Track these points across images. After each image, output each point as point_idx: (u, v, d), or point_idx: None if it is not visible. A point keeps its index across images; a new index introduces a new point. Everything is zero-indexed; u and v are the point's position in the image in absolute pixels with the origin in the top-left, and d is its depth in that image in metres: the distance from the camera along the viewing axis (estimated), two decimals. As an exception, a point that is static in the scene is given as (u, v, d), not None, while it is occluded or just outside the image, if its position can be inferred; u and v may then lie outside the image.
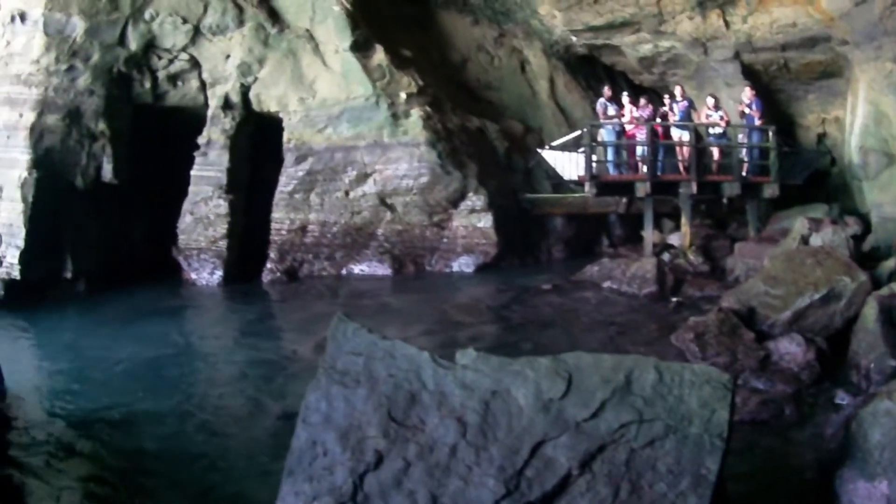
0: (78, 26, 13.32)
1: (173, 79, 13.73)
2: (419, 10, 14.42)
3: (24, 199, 12.83)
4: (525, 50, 14.57)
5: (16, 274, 12.72)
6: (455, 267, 13.24)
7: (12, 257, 12.81)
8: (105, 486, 5.78)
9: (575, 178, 13.11)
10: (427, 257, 13.14)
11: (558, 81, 14.52)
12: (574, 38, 14.40)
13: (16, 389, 7.70)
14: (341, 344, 3.74)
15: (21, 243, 12.74)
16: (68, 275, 13.13)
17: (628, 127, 12.64)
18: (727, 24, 12.70)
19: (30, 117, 13.12)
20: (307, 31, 13.26)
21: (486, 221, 13.20)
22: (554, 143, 13.62)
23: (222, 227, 13.20)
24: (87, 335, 10.33)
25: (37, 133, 13.06)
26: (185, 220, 13.46)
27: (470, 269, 13.17)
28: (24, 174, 12.94)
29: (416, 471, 3.29)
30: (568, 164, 13.43)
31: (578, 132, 13.20)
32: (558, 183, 13.71)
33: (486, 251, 13.23)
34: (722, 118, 12.26)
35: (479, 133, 13.42)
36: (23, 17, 13.58)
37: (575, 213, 14.01)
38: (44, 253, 12.85)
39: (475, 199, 13.12)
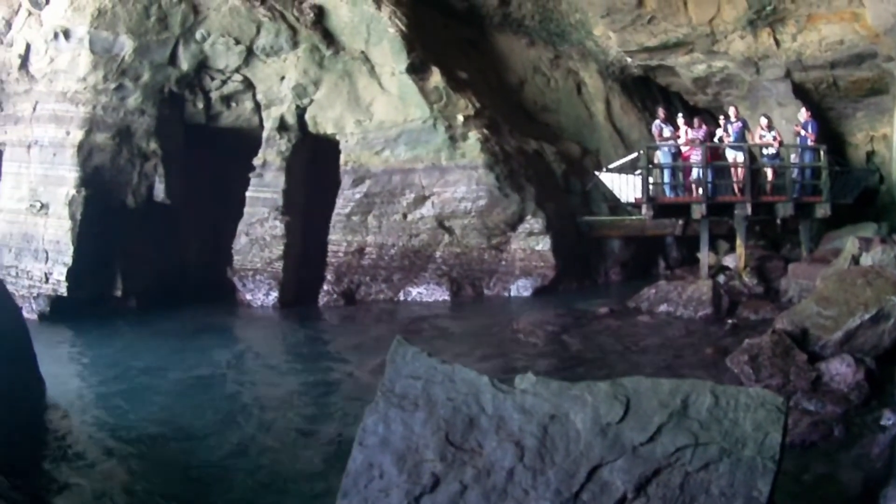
0: (126, 45, 15.82)
1: (227, 100, 16.26)
2: (474, 31, 17.07)
3: (72, 217, 15.48)
4: (581, 71, 17.29)
5: (62, 291, 15.34)
6: (513, 290, 15.62)
7: (59, 274, 15.41)
8: (149, 498, 6.66)
9: (632, 200, 15.35)
10: (485, 280, 15.73)
11: (614, 103, 17.23)
12: (629, 59, 17.20)
13: (60, 402, 9.06)
14: (400, 367, 4.34)
15: (68, 260, 15.35)
16: (118, 292, 15.71)
17: (684, 149, 14.89)
18: (777, 42, 15.40)
19: (77, 135, 15.71)
20: (362, 52, 15.82)
21: (544, 244, 15.77)
22: (611, 166, 16.25)
23: (278, 249, 15.71)
24: (135, 352, 12.15)
25: (85, 151, 15.67)
26: (241, 242, 15.99)
27: (528, 292, 15.58)
28: (72, 192, 15.56)
29: (473, 494, 3.81)
30: (625, 187, 15.96)
31: (635, 154, 15.67)
32: (615, 205, 16.31)
33: (544, 274, 15.81)
34: (775, 138, 14.43)
35: (537, 155, 16.07)
36: (66, 34, 16.02)
37: (632, 236, 16.63)
38: (92, 270, 15.39)
39: (533, 222, 15.72)
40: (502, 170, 15.40)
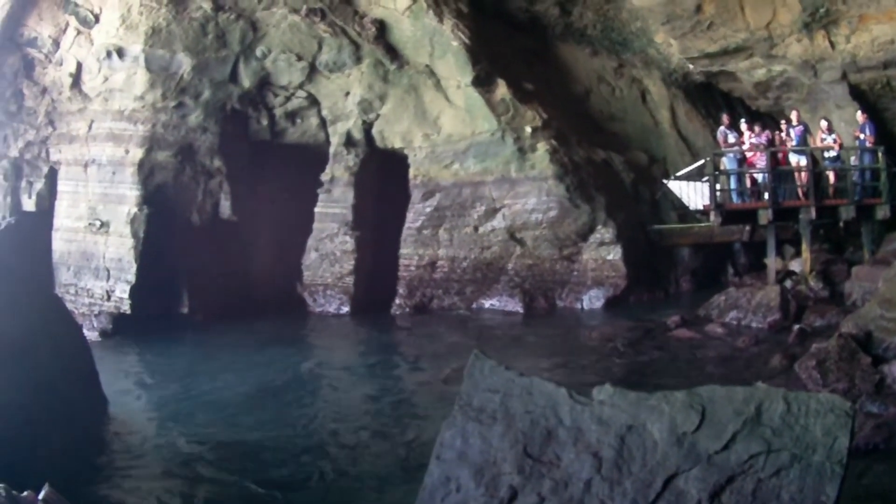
0: (184, 63, 19.36)
1: (291, 116, 19.98)
2: (537, 42, 20.95)
3: (135, 235, 18.99)
4: (645, 79, 21.26)
5: (126, 308, 18.80)
6: (585, 300, 19.06)
7: (122, 292, 18.92)
8: None
9: (700, 207, 18.80)
10: (557, 291, 19.40)
11: (679, 110, 21.20)
12: (691, 66, 21.22)
13: (124, 418, 10.90)
14: (478, 381, 5.26)
15: (131, 278, 18.87)
16: (184, 309, 19.11)
17: (749, 154, 18.18)
18: (832, 44, 18.83)
19: (137, 153, 19.25)
20: (427, 66, 19.53)
21: (615, 254, 19.39)
22: (679, 173, 20.12)
23: (349, 264, 19.35)
24: (202, 366, 14.57)
25: (146, 169, 19.19)
26: (311, 257, 19.61)
27: (600, 302, 18.98)
28: (134, 210, 19.08)
29: None
30: (693, 194, 19.73)
31: (702, 161, 19.46)
32: (684, 213, 20.14)
33: (615, 284, 19.42)
34: (835, 140, 17.60)
35: (605, 165, 19.94)
36: (120, 52, 19.60)
37: (701, 243, 20.49)
38: (156, 287, 18.78)
39: (604, 232, 19.37)
40: (572, 180, 19.06)
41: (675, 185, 19.46)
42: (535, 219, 19.06)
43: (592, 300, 19.12)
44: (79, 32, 20.10)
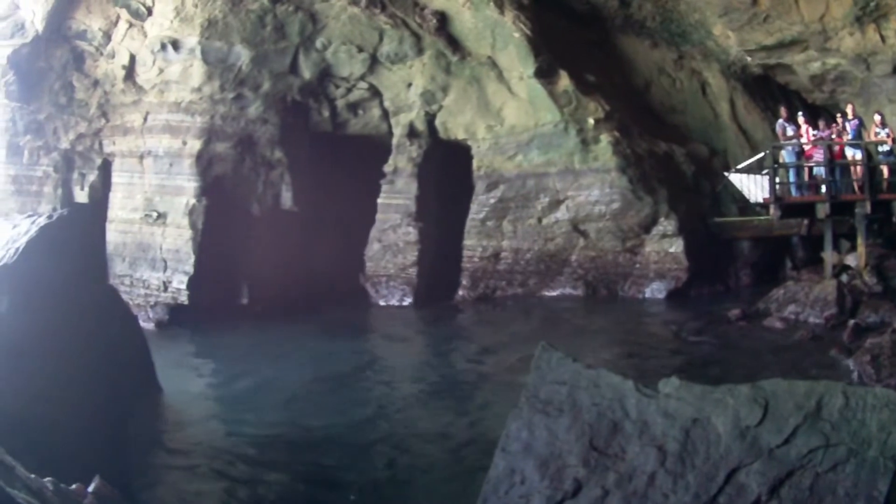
0: (242, 55, 21.05)
1: (353, 107, 21.87)
2: (598, 34, 23.14)
3: (193, 226, 20.69)
4: (704, 72, 23.58)
5: (183, 299, 20.43)
6: (647, 292, 20.83)
7: (179, 283, 20.57)
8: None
9: (760, 200, 20.54)
10: (620, 283, 21.49)
11: (738, 103, 23.51)
12: (749, 58, 23.57)
13: (180, 409, 11.62)
14: (545, 373, 5.76)
15: (189, 269, 20.55)
16: (244, 300, 20.80)
17: (807, 147, 20.01)
18: (883, 38, 20.48)
19: (195, 145, 20.94)
20: (489, 58, 21.41)
21: (677, 246, 21.39)
22: (739, 166, 22.48)
23: (412, 255, 21.14)
24: (260, 357, 15.69)
25: (204, 161, 20.85)
26: (373, 248, 21.39)
27: (661, 295, 20.72)
28: (192, 201, 20.74)
29: (614, 499, 5.14)
30: (753, 187, 21.89)
31: (761, 154, 21.54)
32: (744, 206, 22.48)
33: (677, 276, 21.45)
34: (888, 135, 19.28)
35: (667, 157, 22.20)
36: (175, 45, 21.31)
37: (761, 237, 22.87)
38: (215, 278, 20.34)
39: (666, 225, 21.39)
40: (635, 172, 21.05)
41: (735, 178, 21.35)
42: (599, 211, 20.94)
43: (654, 292, 20.97)
44: (130, 25, 21.72)
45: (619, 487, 5.29)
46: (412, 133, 21.35)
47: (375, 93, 21.47)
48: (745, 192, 21.03)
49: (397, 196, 21.01)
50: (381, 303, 21.33)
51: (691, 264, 20.99)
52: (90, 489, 7.45)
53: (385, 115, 21.85)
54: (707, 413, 5.38)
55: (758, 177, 20.69)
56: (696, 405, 5.45)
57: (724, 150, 21.99)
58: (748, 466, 5.15)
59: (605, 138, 20.83)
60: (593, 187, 20.79)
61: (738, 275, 21.54)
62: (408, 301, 21.09)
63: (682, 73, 22.17)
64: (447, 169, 21.49)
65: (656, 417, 5.50)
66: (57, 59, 22.29)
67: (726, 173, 21.27)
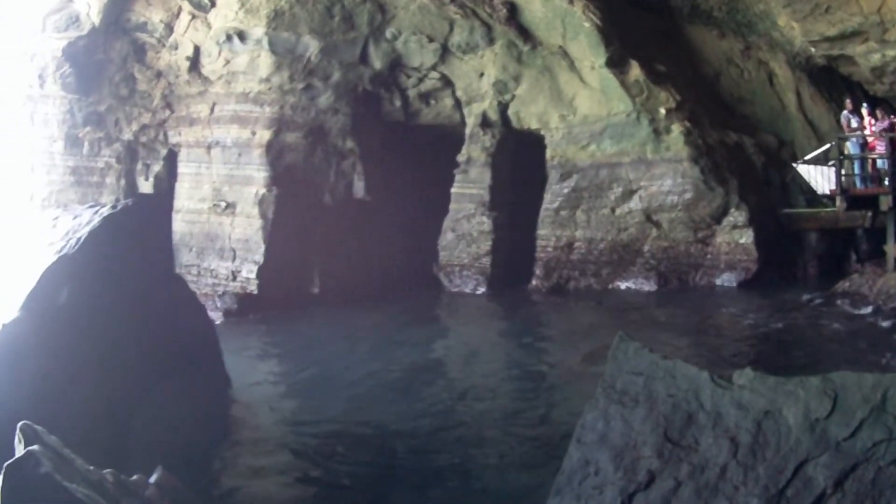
0: (311, 46, 21.94)
1: (425, 97, 22.39)
2: (666, 24, 23.48)
3: (263, 215, 21.39)
4: (771, 62, 23.78)
5: (252, 288, 21.18)
6: (718, 283, 21.78)
7: (248, 272, 21.36)
8: (344, 496, 8.56)
9: (827, 192, 21.77)
10: (691, 274, 21.80)
11: (804, 93, 23.71)
12: (812, 49, 23.81)
13: (248, 399, 11.93)
14: (622, 363, 5.90)
15: (259, 258, 21.25)
16: (315, 289, 21.55)
17: (871, 139, 20.90)
18: None
19: (265, 135, 21.70)
20: (560, 47, 22.06)
21: (747, 237, 21.87)
22: (806, 157, 22.54)
23: (486, 244, 21.83)
24: (331, 346, 16.08)
25: (275, 150, 21.68)
26: (447, 237, 22.18)
27: (732, 286, 21.70)
28: (262, 191, 21.51)
29: (686, 491, 5.22)
30: (820, 178, 22.23)
31: (827, 146, 22.05)
32: (811, 197, 22.58)
33: (747, 267, 21.89)
34: None
35: (737, 148, 22.38)
36: (241, 36, 22.04)
37: (827, 228, 22.89)
38: (286, 267, 21.21)
39: (737, 215, 21.84)
40: (706, 163, 21.57)
41: (803, 169, 21.94)
42: (671, 201, 21.49)
43: (725, 283, 21.66)
44: (193, 17, 22.69)
45: (692, 479, 5.35)
46: (485, 123, 22.09)
47: (447, 82, 22.27)
48: (813, 184, 21.88)
49: (471, 186, 21.55)
50: (455, 291, 22.19)
51: (761, 255, 21.60)
52: (152, 480, 7.42)
53: (457, 104, 22.77)
54: (779, 405, 5.43)
55: (824, 168, 21.40)
56: (768, 397, 5.49)
57: (792, 141, 22.54)
58: (816, 459, 5.19)
59: (676, 128, 21.53)
60: (666, 177, 21.33)
61: (805, 266, 21.96)
62: (481, 290, 22.00)
63: (750, 64, 22.51)
64: (520, 158, 22.09)
65: (730, 409, 5.53)
66: (116, 51, 23.09)
67: (794, 164, 21.06)
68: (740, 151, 22.48)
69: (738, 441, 5.36)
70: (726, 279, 21.62)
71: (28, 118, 23.86)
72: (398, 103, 22.59)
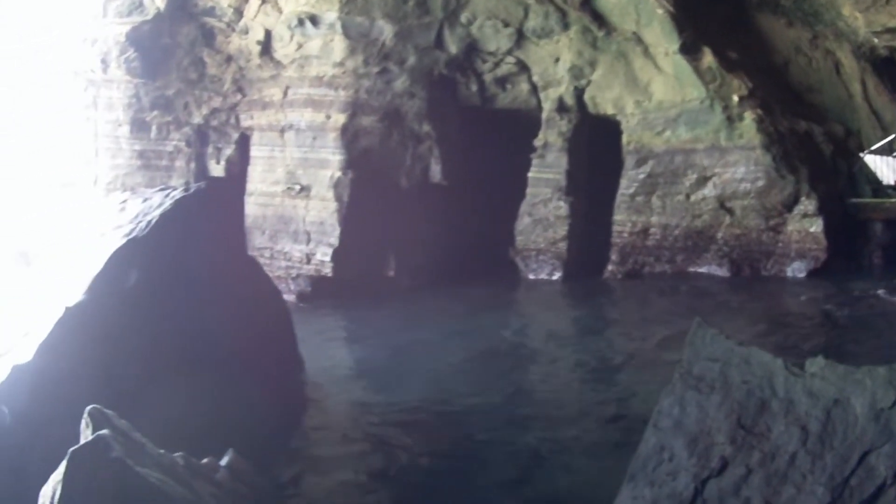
0: (385, 30, 22.34)
1: (501, 82, 22.61)
2: (735, 12, 23.71)
3: (338, 199, 21.76)
4: (837, 52, 24.08)
5: (327, 271, 21.56)
6: (788, 272, 22.11)
7: (323, 255, 21.78)
8: (418, 479, 8.79)
9: (892, 182, 22.12)
10: (763, 262, 22.01)
11: (869, 84, 24.02)
12: (875, 40, 24.01)
13: (322, 382, 12.18)
14: (699, 349, 5.97)
15: (334, 241, 21.59)
16: (391, 272, 21.90)
17: None
18: None
19: (339, 119, 21.98)
20: (634, 33, 22.33)
21: (816, 226, 22.21)
22: (873, 147, 22.69)
23: (562, 229, 22.19)
24: (405, 330, 16.29)
25: (350, 134, 22.14)
26: (523, 222, 22.57)
27: (802, 274, 22.18)
28: (337, 174, 21.93)
29: (756, 478, 5.30)
30: (885, 169, 22.46)
31: (892, 136, 22.28)
32: (877, 188, 22.72)
33: (816, 256, 22.21)
34: None
35: (807, 136, 22.62)
36: (314, 20, 22.30)
37: (892, 219, 23.01)
38: (360, 250, 21.59)
39: (807, 204, 22.16)
40: (778, 150, 21.94)
41: (869, 159, 22.02)
42: (744, 188, 21.87)
43: (795, 272, 22.10)
44: (263, 1, 23.20)
45: (762, 466, 5.40)
46: (562, 108, 22.58)
47: (523, 67, 22.87)
48: (879, 174, 22.75)
49: (548, 170, 21.99)
50: (531, 277, 22.54)
51: (829, 244, 21.96)
52: (223, 463, 7.43)
53: (533, 89, 23.30)
54: (847, 394, 5.44)
55: (889, 158, 22.25)
56: (837, 385, 5.51)
57: (858, 131, 23.32)
58: (878, 449, 5.20)
59: (748, 116, 22.21)
60: (739, 165, 21.86)
61: (870, 256, 22.03)
62: (557, 275, 22.37)
63: (817, 53, 23.01)
64: (596, 144, 22.64)
65: (801, 397, 5.55)
66: (184, 35, 23.40)
67: (861, 154, 20.86)
68: (810, 140, 22.94)
69: (808, 429, 5.39)
70: (796, 268, 21.98)
71: (91, 102, 23.57)
72: (474, 88, 22.94)
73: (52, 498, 5.80)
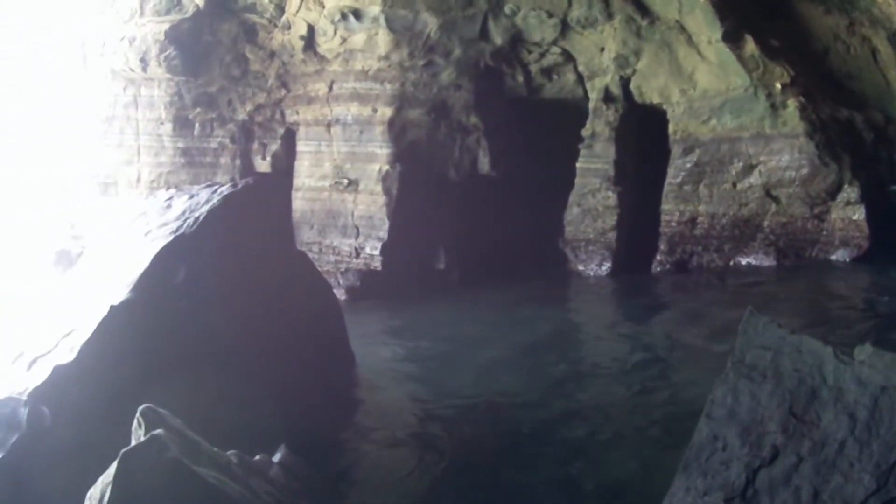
0: (429, 23, 22.07)
1: (547, 72, 22.34)
2: None
3: (387, 192, 21.61)
4: (873, 39, 23.77)
5: (376, 265, 21.47)
6: (832, 259, 21.81)
7: (372, 249, 21.73)
8: (469, 475, 8.69)
9: None
10: (807, 249, 21.79)
11: (905, 72, 23.63)
12: (907, 27, 23.70)
13: (372, 377, 12.06)
14: (752, 338, 5.90)
15: (383, 235, 21.46)
16: (441, 265, 21.84)
17: None
18: None
19: (386, 112, 21.86)
20: (677, 22, 21.98)
21: (859, 214, 22.09)
22: (912, 134, 22.51)
23: (611, 219, 21.99)
24: (455, 324, 16.07)
25: (397, 127, 22.04)
26: (573, 212, 22.45)
27: (845, 263, 21.83)
28: (386, 167, 21.82)
29: (806, 467, 5.25)
30: (922, 157, 22.31)
31: None
32: (916, 175, 22.55)
33: (859, 244, 22.06)
34: None
35: (848, 123, 22.34)
36: (357, 14, 22.17)
37: (930, 207, 22.87)
38: (409, 244, 21.44)
39: (850, 192, 21.98)
40: (821, 138, 21.80)
41: None
42: (789, 176, 21.78)
43: (839, 259, 21.88)
44: None
45: (812, 455, 5.33)
46: (608, 97, 22.45)
47: (569, 57, 22.73)
48: None
49: (596, 160, 21.82)
50: (580, 267, 22.38)
51: (871, 232, 21.72)
52: (275, 459, 7.33)
53: (580, 79, 23.16)
54: (894, 381, 5.33)
55: None
56: (884, 373, 5.40)
57: None
58: None
59: (791, 103, 22.10)
60: (783, 152, 21.69)
61: None
62: (606, 265, 22.25)
63: (855, 40, 22.82)
64: (643, 133, 22.75)
65: (850, 384, 5.45)
66: (225, 32, 23.08)
67: (902, 142, 20.95)
68: (851, 127, 22.84)
69: (857, 417, 5.30)
70: (840, 255, 21.77)
71: (131, 101, 23.08)
72: (521, 79, 22.76)
73: (101, 500, 5.69)
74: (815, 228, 22.22)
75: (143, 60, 22.84)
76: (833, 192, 22.04)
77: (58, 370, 8.08)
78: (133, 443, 6.16)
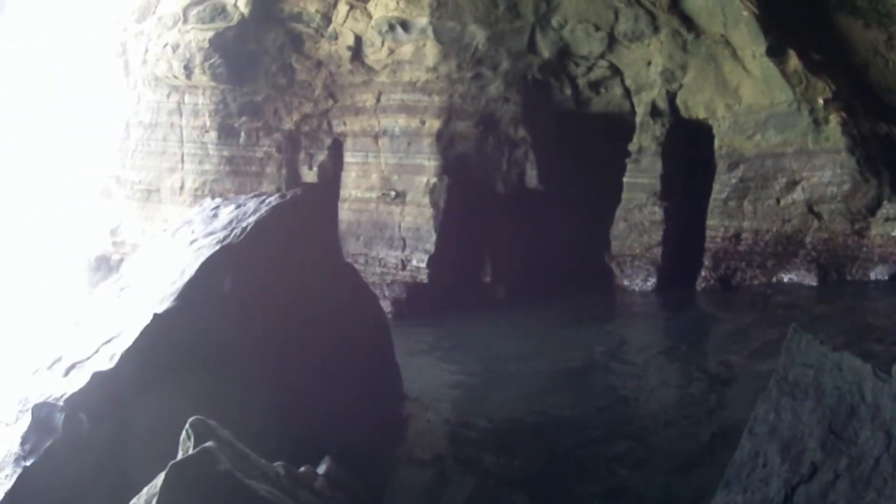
0: (477, 35, 21.95)
1: (595, 86, 22.16)
2: (816, 13, 23.01)
3: (434, 204, 21.49)
4: None
5: (423, 277, 21.36)
6: (872, 276, 21.82)
7: (419, 261, 21.69)
8: (512, 492, 8.79)
9: None
10: (848, 266, 21.58)
11: (942, 86, 23.40)
12: (943, 42, 23.45)
13: (417, 392, 11.85)
14: (795, 355, 6.00)
15: (430, 247, 21.32)
16: (487, 279, 21.78)
17: None
18: None
19: (434, 124, 21.70)
20: (722, 36, 21.71)
21: None
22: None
23: (657, 234, 21.84)
24: (501, 340, 16.11)
25: (445, 139, 21.96)
26: (619, 227, 22.42)
27: (885, 279, 21.77)
28: (433, 180, 21.73)
29: (843, 484, 5.27)
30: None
31: None
32: (954, 190, 22.34)
33: None
34: None
35: (887, 139, 22.01)
36: (404, 25, 21.91)
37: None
38: (456, 257, 21.43)
39: (889, 208, 21.98)
40: (861, 153, 21.82)
41: None
42: (831, 192, 21.86)
43: (878, 276, 21.71)
44: (352, 7, 22.53)
45: (849, 472, 5.34)
46: (655, 112, 22.41)
47: (616, 71, 22.66)
48: None
49: (642, 175, 21.74)
50: (626, 282, 22.37)
51: None
52: (320, 471, 7.25)
53: (626, 93, 23.07)
54: None
55: None
56: None
57: None
58: None
59: (833, 118, 22.15)
60: (825, 168, 21.71)
61: None
62: (651, 281, 22.23)
63: (893, 54, 21.85)
64: (689, 148, 22.64)
65: (887, 402, 5.47)
66: (271, 41, 22.76)
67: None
68: (890, 142, 22.57)
69: (892, 434, 5.32)
70: (879, 272, 21.61)
71: (175, 108, 22.68)
72: (568, 92, 22.67)
73: (147, 511, 5.74)
74: (856, 245, 22.15)
75: (186, 68, 22.45)
76: (873, 209, 21.96)
77: (97, 377, 7.91)
78: (181, 454, 6.08)
